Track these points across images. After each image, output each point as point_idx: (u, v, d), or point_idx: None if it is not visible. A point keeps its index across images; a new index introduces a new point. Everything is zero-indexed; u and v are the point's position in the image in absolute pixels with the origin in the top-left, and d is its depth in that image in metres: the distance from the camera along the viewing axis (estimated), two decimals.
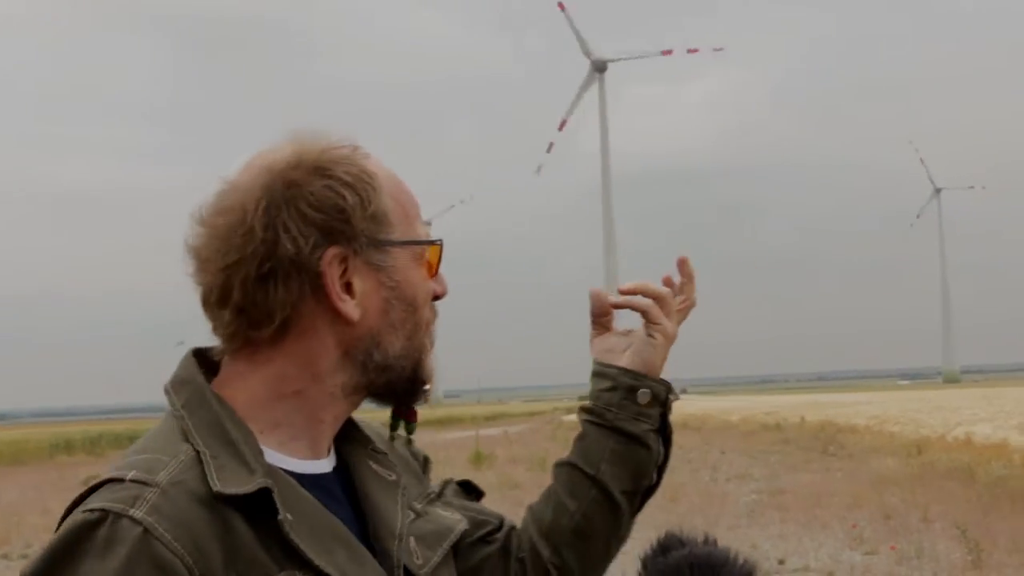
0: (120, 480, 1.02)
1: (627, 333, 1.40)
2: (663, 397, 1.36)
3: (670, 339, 1.38)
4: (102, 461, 32.61)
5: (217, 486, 1.04)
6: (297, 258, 1.11)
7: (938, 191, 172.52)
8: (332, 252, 1.13)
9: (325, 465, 1.19)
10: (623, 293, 1.39)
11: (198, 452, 1.07)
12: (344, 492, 1.21)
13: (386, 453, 1.30)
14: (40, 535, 15.14)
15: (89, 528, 0.99)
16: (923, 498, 14.18)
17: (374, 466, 1.27)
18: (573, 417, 50.93)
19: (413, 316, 1.19)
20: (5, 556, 13.49)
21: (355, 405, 1.21)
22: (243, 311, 1.12)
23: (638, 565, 1.33)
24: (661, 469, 1.39)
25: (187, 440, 1.08)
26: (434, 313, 1.24)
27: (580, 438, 1.38)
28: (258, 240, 1.10)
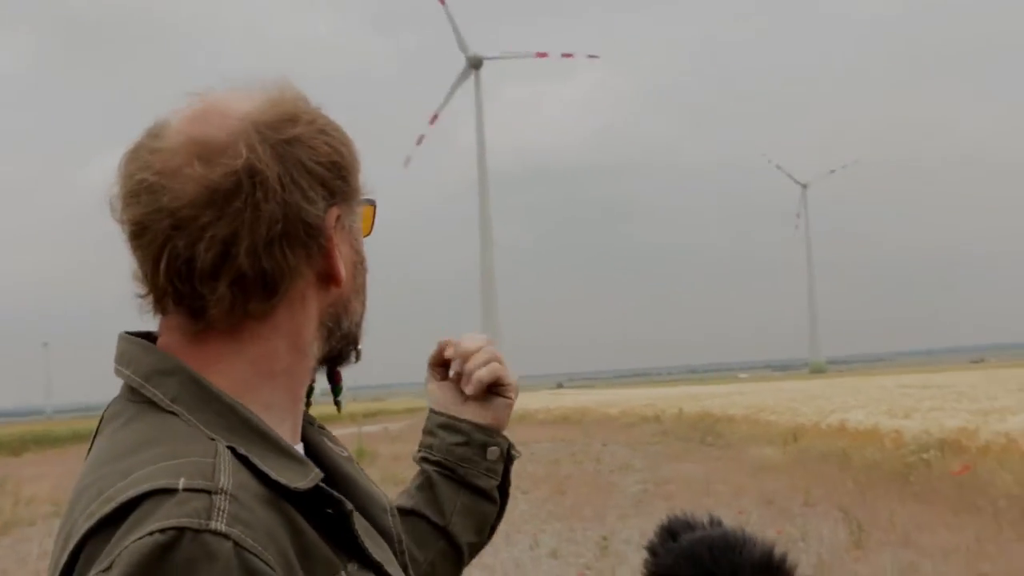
0: (170, 490, 0.86)
1: (457, 382, 1.37)
2: (507, 453, 1.38)
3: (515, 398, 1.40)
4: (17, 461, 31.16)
5: (285, 482, 0.93)
6: (309, 219, 1.01)
7: (804, 186, 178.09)
8: (335, 212, 1.04)
9: (301, 449, 1.10)
10: (464, 352, 1.35)
11: (232, 448, 0.93)
12: None
13: (327, 429, 1.23)
14: None
15: (164, 551, 0.82)
16: (803, 483, 14.62)
17: (329, 443, 1.19)
18: None
19: (365, 279, 1.13)
20: None
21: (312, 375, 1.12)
22: (244, 281, 0.98)
23: (645, 554, 1.31)
24: (498, 521, 1.41)
25: (210, 437, 0.94)
26: None
27: (426, 487, 1.36)
28: (272, 201, 0.98)
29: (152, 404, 0.98)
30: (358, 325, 1.12)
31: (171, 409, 0.97)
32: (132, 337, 1.05)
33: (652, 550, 1.29)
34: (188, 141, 0.99)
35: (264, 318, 1.01)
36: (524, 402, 61.94)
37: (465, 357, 1.35)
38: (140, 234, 1.00)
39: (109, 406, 1.04)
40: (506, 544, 11.77)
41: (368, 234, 1.15)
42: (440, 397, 1.38)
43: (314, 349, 1.07)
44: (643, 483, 17.05)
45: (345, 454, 1.20)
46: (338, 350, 1.12)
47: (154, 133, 1.02)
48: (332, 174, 1.04)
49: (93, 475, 0.94)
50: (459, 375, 1.37)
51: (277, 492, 0.93)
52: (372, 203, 1.14)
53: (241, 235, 0.97)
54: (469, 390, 1.34)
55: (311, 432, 1.17)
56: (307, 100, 1.07)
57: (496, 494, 1.38)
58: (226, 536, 0.84)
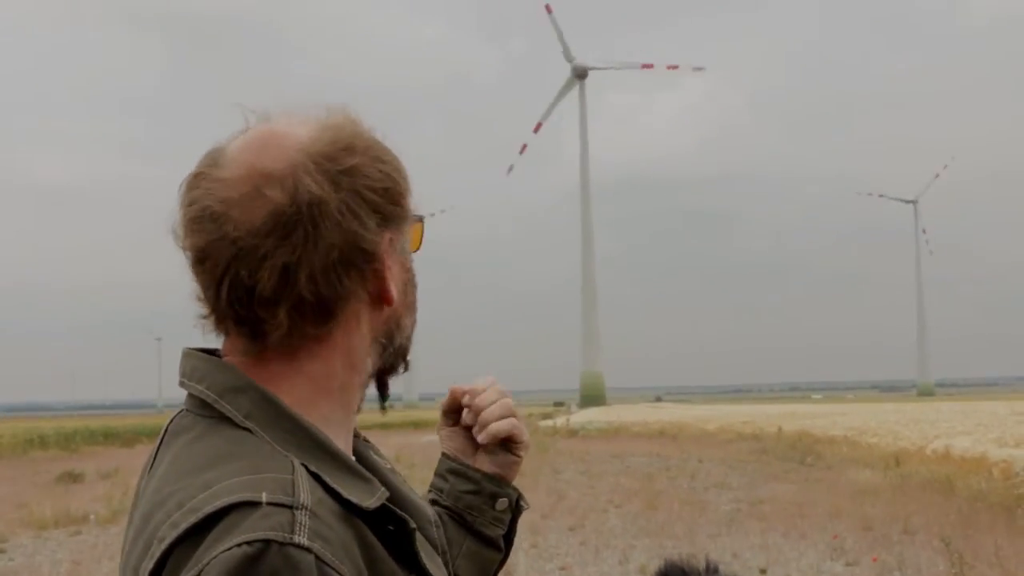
0: (254, 503, 0.90)
1: (469, 429, 1.37)
2: (516, 504, 1.39)
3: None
4: (76, 457, 32.43)
5: (356, 501, 0.97)
6: (365, 245, 1.04)
7: (913, 203, 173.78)
8: (388, 237, 1.08)
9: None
10: (476, 405, 1.35)
11: (304, 466, 0.97)
12: None
13: (372, 443, 1.26)
14: (15, 529, 15.00)
15: (252, 562, 0.86)
16: (903, 510, 14.21)
17: (374, 456, 1.22)
18: (549, 422, 51.20)
19: (415, 295, 1.16)
20: None
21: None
22: (303, 306, 1.02)
23: None
24: (500, 567, 1.42)
25: (286, 454, 0.98)
26: None
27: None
28: (333, 228, 1.02)
29: (226, 420, 1.02)
30: (408, 339, 1.16)
31: (245, 425, 1.01)
32: (202, 354, 1.08)
33: None
34: (248, 170, 1.03)
35: (321, 339, 1.05)
36: (621, 414, 61.68)
37: (479, 409, 1.35)
38: (202, 260, 1.03)
39: (173, 419, 1.08)
40: (595, 558, 11.72)
41: (417, 249, 1.18)
42: (451, 443, 1.40)
43: (367, 365, 1.11)
44: (737, 502, 16.78)
45: (388, 466, 1.22)
46: (390, 363, 1.15)
47: (213, 160, 1.05)
48: (385, 200, 1.07)
49: (172, 486, 0.96)
50: (470, 424, 1.37)
51: (348, 509, 0.97)
52: (421, 220, 1.17)
53: (301, 263, 1.01)
54: (482, 439, 1.34)
55: (358, 444, 1.20)
56: (362, 127, 1.10)
57: (501, 543, 1.39)
58: (308, 550, 0.88)
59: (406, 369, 1.19)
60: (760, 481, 20.27)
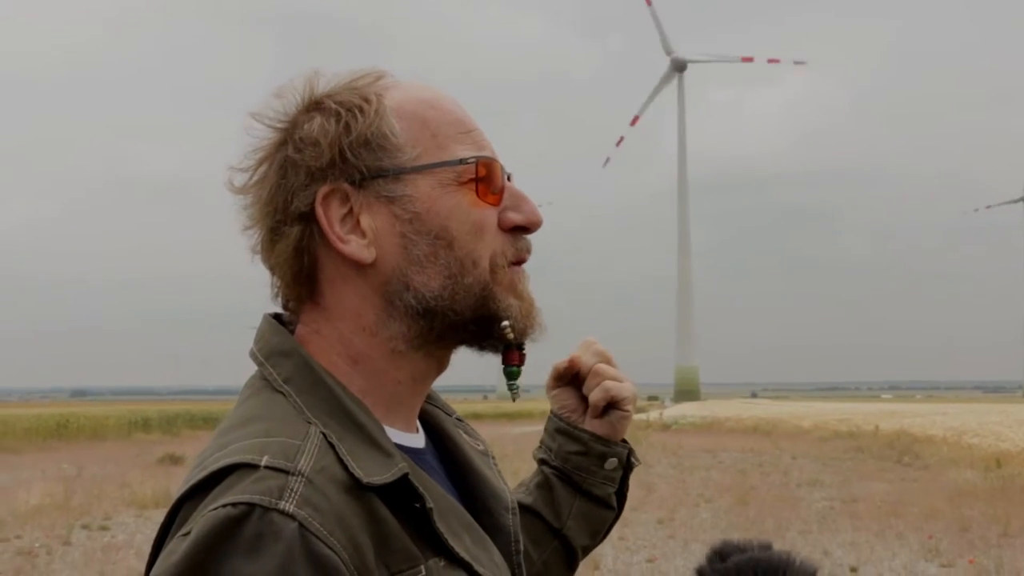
0: (253, 466, 0.89)
1: (579, 387, 1.35)
2: (626, 462, 1.36)
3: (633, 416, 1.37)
4: (178, 440, 33.31)
5: (361, 475, 0.93)
6: (288, 206, 1.03)
7: (1022, 200, 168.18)
8: (323, 191, 1.02)
9: (419, 439, 1.10)
10: (595, 373, 1.32)
11: (324, 434, 0.95)
12: (441, 466, 1.12)
13: (466, 422, 1.26)
14: (119, 507, 15.51)
15: (234, 524, 0.85)
16: (1003, 512, 13.80)
17: (465, 436, 1.21)
18: (643, 416, 50.83)
19: (449, 251, 1.03)
20: (86, 526, 13.79)
21: (434, 359, 1.07)
22: (274, 270, 1.07)
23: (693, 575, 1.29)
24: (613, 524, 1.40)
25: (308, 420, 0.97)
26: (511, 244, 1.07)
27: (544, 487, 1.36)
28: (261, 199, 1.05)
29: (269, 382, 1.03)
30: (443, 299, 1.03)
31: (281, 389, 1.00)
32: (269, 316, 1.10)
33: (700, 572, 1.27)
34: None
35: (317, 302, 1.06)
36: (714, 410, 61.01)
37: (585, 370, 1.33)
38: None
39: (249, 379, 1.08)
40: (683, 551, 11.65)
41: (496, 200, 1.07)
42: (559, 402, 1.37)
43: (391, 330, 1.04)
44: (830, 500, 16.50)
45: (480, 448, 1.22)
46: (464, 328, 1.05)
47: None
48: (316, 155, 1.02)
49: (208, 445, 0.98)
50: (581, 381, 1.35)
51: (367, 485, 0.94)
52: (468, 162, 1.05)
53: (258, 229, 1.07)
54: (594, 399, 1.32)
55: (446, 423, 1.19)
56: (342, 81, 1.06)
57: (613, 500, 1.37)
58: (292, 517, 0.86)
59: (509, 339, 1.07)
60: (854, 479, 19.89)
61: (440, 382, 1.15)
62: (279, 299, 1.09)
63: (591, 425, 1.34)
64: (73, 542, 12.56)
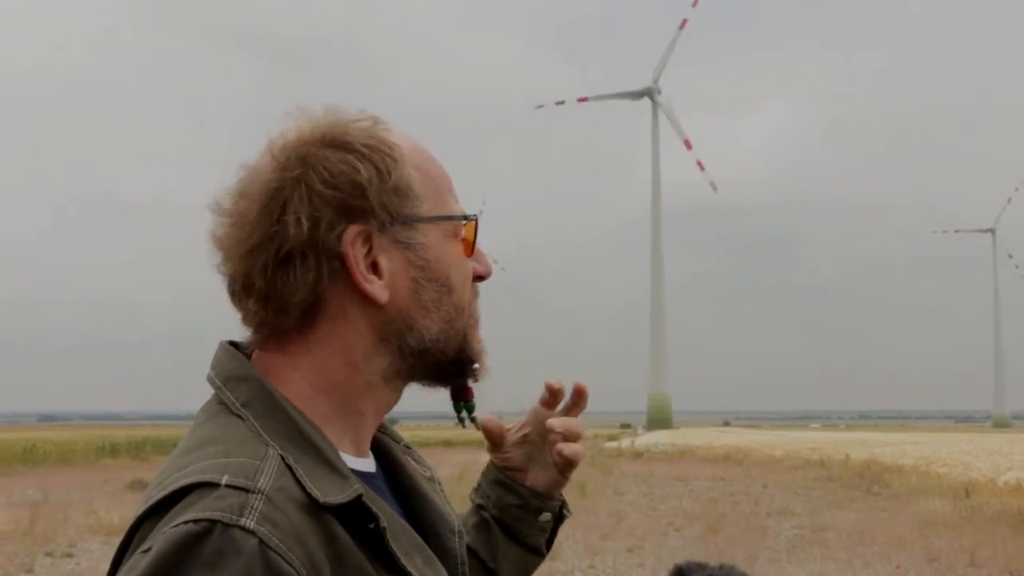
0: (214, 484, 0.93)
1: (522, 443, 1.39)
2: (559, 514, 1.43)
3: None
4: (146, 466, 33.01)
5: (318, 495, 0.97)
6: (312, 239, 1.05)
7: (992, 231, 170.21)
8: (353, 230, 1.06)
9: (369, 464, 1.15)
10: (554, 428, 1.34)
11: (281, 456, 0.99)
12: (391, 491, 1.18)
13: (414, 449, 1.30)
14: (84, 534, 15.32)
15: (195, 540, 0.88)
16: (971, 542, 13.90)
17: (412, 463, 1.26)
18: (615, 444, 50.76)
19: (449, 297, 1.12)
20: (50, 554, 13.61)
21: (396, 393, 1.15)
22: (267, 299, 1.07)
23: None
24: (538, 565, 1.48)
25: (265, 443, 1.00)
26: (475, 294, 1.18)
27: (482, 529, 1.40)
28: (273, 223, 1.05)
29: (226, 406, 1.06)
30: (438, 342, 1.12)
31: (239, 413, 1.04)
32: (228, 345, 1.13)
33: None
34: (251, 167, 1.10)
35: (304, 333, 1.08)
36: (687, 438, 61.05)
37: (571, 428, 1.35)
38: (215, 260, 1.12)
39: (205, 403, 1.12)
40: None
41: (471, 253, 1.17)
42: (507, 459, 1.41)
43: (374, 365, 1.10)
44: (800, 528, 16.54)
45: (428, 474, 1.27)
46: (424, 366, 1.13)
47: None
48: (345, 193, 1.06)
49: (166, 466, 1.01)
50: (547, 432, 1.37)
51: (323, 505, 0.98)
52: (466, 219, 1.16)
53: (256, 258, 1.06)
54: (567, 454, 1.35)
55: (395, 450, 1.24)
56: (350, 121, 1.10)
57: (544, 549, 1.44)
58: (253, 533, 0.89)
59: (476, 377, 1.19)
60: (824, 508, 19.95)
61: (427, 407, 1.22)
62: (254, 323, 1.10)
63: (532, 481, 1.40)
64: (36, 570, 12.42)
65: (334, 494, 0.98)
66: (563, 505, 1.43)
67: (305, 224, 1.05)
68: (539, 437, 1.38)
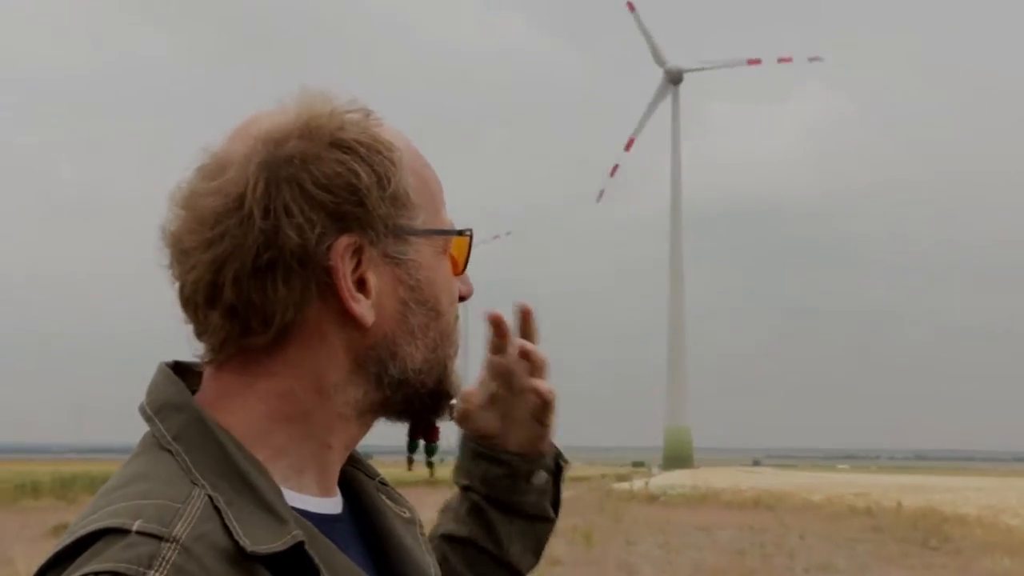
0: (123, 531, 0.91)
1: (491, 405, 1.41)
2: (555, 468, 1.46)
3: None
4: (74, 508, 32.88)
5: (246, 543, 0.94)
6: (302, 249, 1.03)
7: None
8: (344, 242, 1.05)
9: (335, 504, 1.13)
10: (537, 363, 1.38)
11: (210, 497, 0.97)
12: (359, 534, 1.16)
13: (391, 486, 1.29)
14: None
15: None
16: None
17: (388, 502, 1.24)
18: (625, 485, 50.90)
19: (436, 323, 1.12)
20: None
21: (367, 427, 1.14)
22: (235, 312, 1.03)
23: None
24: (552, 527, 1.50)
25: (193, 482, 0.98)
26: (458, 317, 1.18)
27: (476, 514, 1.44)
28: (256, 227, 1.02)
29: (157, 440, 1.04)
30: (420, 372, 1.12)
31: (169, 447, 1.02)
32: (166, 368, 1.11)
33: None
34: (213, 159, 1.07)
35: (272, 353, 1.06)
36: (709, 479, 61.18)
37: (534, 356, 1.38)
38: (171, 263, 1.08)
39: (144, 435, 1.09)
40: None
41: (461, 270, 1.18)
42: (477, 427, 1.42)
43: (347, 395, 1.08)
44: None
45: (406, 515, 1.26)
46: (401, 400, 1.13)
47: (206, 150, 1.10)
48: (341, 198, 1.05)
49: (86, 508, 0.99)
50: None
51: (252, 554, 0.96)
52: (461, 233, 1.17)
53: (227, 263, 1.03)
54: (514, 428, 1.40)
55: (368, 487, 1.23)
56: (345, 113, 1.08)
57: (550, 511, 1.46)
58: None
59: (451, 414, 1.20)
60: (872, 564, 20.00)
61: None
62: (215, 339, 1.06)
63: (513, 443, 1.42)
64: None
65: (266, 542, 0.96)
66: (558, 456, 1.46)
67: (293, 231, 1.02)
68: (506, 390, 1.39)
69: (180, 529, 0.92)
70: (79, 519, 0.97)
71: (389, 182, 1.07)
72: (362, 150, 1.06)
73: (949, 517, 29.33)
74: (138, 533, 0.91)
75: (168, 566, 0.89)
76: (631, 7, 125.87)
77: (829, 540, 24.95)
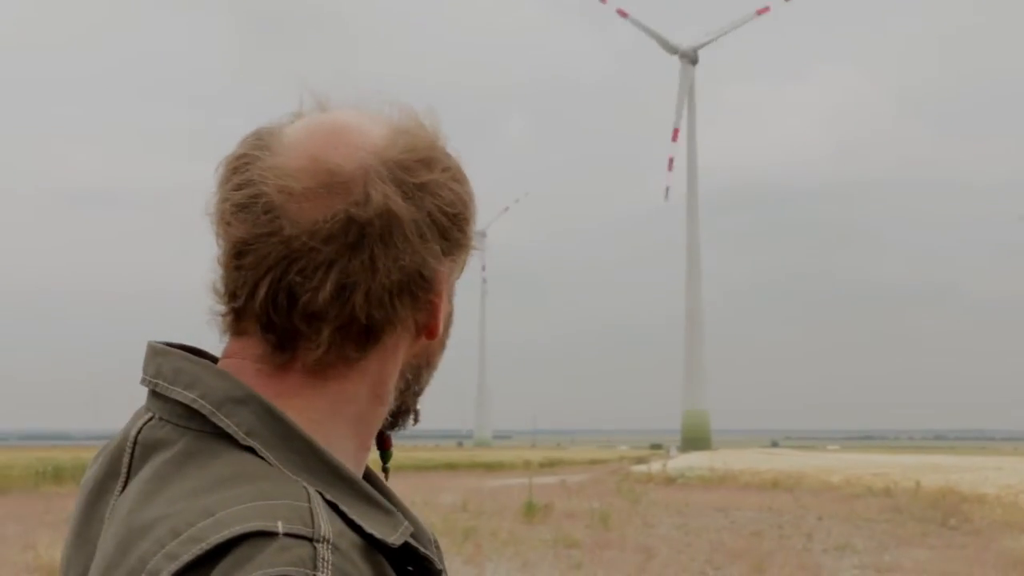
0: (268, 534, 0.88)
1: None
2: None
3: None
4: None
5: (379, 536, 0.96)
6: (427, 271, 1.05)
7: None
8: (448, 266, 1.09)
9: None
10: None
11: (320, 493, 0.95)
12: None
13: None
14: (20, 574, 15.31)
15: None
16: None
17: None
18: (643, 468, 50.76)
19: (448, 333, 1.18)
20: None
21: None
22: (350, 327, 1.03)
23: None
24: None
25: (295, 480, 0.96)
26: None
27: None
28: (401, 249, 1.02)
29: (223, 436, 0.99)
30: (427, 383, 1.17)
31: (246, 444, 0.98)
32: (184, 353, 1.06)
33: None
34: (312, 163, 1.03)
35: (354, 364, 1.06)
36: (727, 461, 61.04)
37: None
38: (243, 254, 1.03)
39: (143, 430, 1.04)
40: None
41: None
42: None
43: (391, 400, 1.12)
44: (862, 568, 16.51)
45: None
46: (404, 406, 1.16)
47: (264, 144, 1.06)
48: (453, 225, 1.08)
49: (159, 510, 0.94)
50: None
51: (371, 543, 0.96)
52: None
53: (360, 281, 1.02)
54: None
55: (373, 479, 1.22)
56: (438, 137, 1.10)
57: None
58: None
59: (416, 421, 1.21)
60: (892, 544, 19.92)
61: (413, 427, 1.24)
62: (317, 348, 1.03)
63: None
64: None
65: (389, 533, 0.97)
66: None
67: (426, 254, 1.05)
68: None
69: (324, 528, 0.90)
70: (179, 521, 0.92)
71: (475, 210, 1.12)
72: (463, 179, 1.10)
73: (968, 497, 29.20)
74: (287, 535, 0.88)
75: (330, 567, 0.88)
76: (623, 14, 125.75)
77: (847, 521, 24.90)
